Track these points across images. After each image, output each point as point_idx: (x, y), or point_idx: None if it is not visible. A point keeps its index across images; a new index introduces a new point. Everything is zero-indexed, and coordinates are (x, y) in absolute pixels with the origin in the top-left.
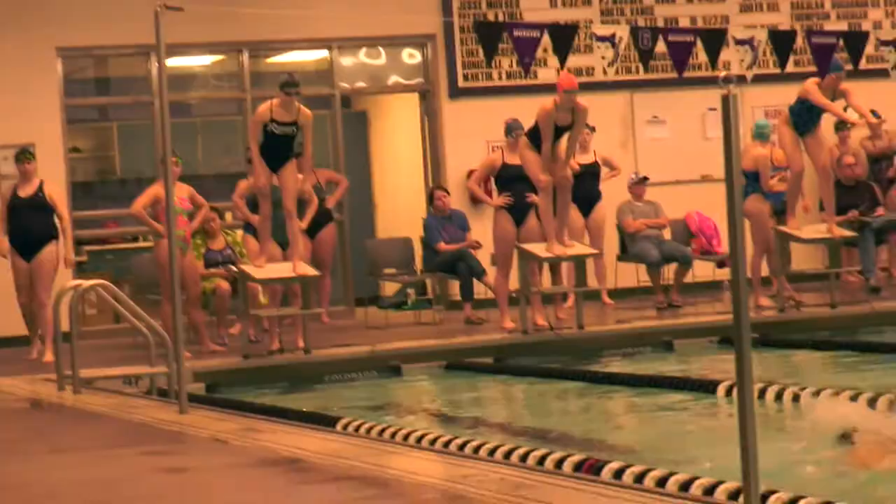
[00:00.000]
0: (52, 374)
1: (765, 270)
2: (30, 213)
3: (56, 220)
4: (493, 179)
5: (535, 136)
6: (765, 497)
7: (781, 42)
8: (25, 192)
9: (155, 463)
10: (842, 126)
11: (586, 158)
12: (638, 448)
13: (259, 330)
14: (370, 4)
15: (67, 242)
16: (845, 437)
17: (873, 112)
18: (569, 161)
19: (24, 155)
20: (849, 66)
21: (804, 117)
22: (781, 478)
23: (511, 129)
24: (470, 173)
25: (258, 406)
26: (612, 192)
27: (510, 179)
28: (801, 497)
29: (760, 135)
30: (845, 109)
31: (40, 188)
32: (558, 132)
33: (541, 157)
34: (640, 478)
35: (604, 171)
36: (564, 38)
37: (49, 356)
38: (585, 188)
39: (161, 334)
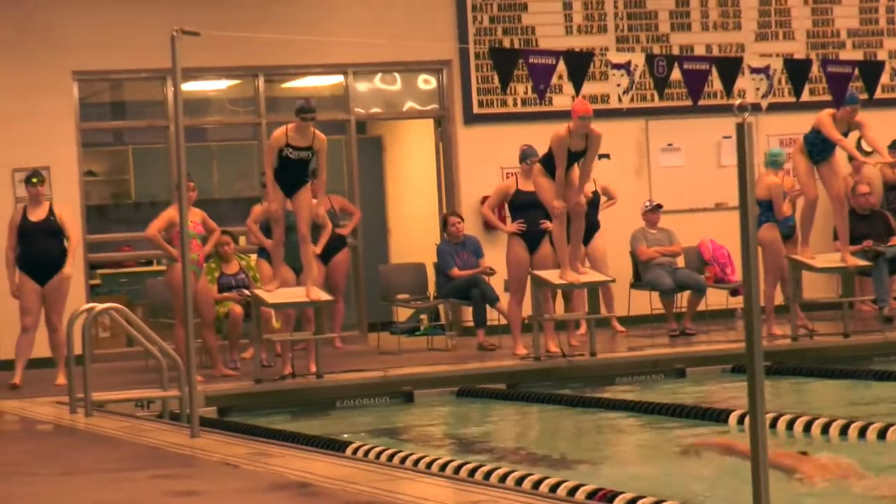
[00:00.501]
0: (65, 397)
1: (778, 298)
2: (43, 239)
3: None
4: (506, 206)
5: (549, 162)
6: None
7: (797, 71)
8: (37, 216)
9: (166, 487)
10: None
11: (587, 187)
12: (650, 477)
13: (271, 354)
14: (386, 30)
15: (69, 259)
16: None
17: (894, 143)
18: (583, 188)
19: (35, 178)
20: (864, 96)
21: (819, 146)
22: None
23: (525, 155)
24: (484, 199)
25: (269, 430)
26: (622, 219)
27: (524, 206)
28: None
29: (773, 163)
30: (859, 141)
31: (51, 211)
32: (572, 158)
33: (554, 183)
34: None
35: (602, 200)
36: (580, 65)
37: (62, 379)
38: (585, 217)
39: (173, 358)
